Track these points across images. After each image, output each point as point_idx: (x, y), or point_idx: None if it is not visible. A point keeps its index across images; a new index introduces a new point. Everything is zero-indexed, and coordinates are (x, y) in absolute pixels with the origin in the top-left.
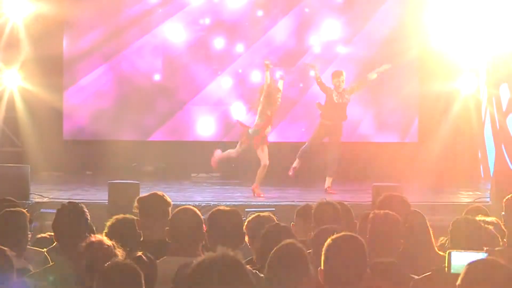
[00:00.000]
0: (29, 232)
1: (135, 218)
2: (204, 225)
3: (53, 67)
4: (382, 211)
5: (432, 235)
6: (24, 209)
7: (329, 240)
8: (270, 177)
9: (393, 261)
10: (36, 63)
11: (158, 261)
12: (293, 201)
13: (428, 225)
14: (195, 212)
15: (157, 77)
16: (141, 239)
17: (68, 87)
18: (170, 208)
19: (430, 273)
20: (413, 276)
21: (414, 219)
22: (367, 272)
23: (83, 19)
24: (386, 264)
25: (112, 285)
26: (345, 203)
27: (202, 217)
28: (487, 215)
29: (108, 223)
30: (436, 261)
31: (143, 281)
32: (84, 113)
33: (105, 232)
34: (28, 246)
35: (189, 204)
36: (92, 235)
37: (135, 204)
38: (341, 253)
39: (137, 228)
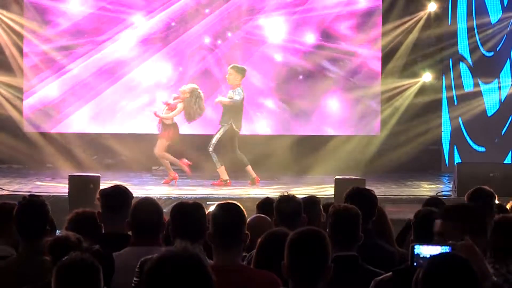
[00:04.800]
0: None
1: (95, 211)
2: (164, 216)
3: (13, 60)
4: (341, 205)
5: (392, 229)
6: None
7: (292, 234)
8: (234, 171)
9: (354, 254)
10: None
11: (120, 251)
12: (256, 195)
13: (389, 219)
14: (154, 202)
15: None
16: (102, 232)
17: (28, 80)
18: (132, 201)
19: (390, 273)
20: (374, 269)
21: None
22: (330, 265)
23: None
24: (347, 257)
25: (69, 280)
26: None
27: (161, 207)
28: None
29: (68, 217)
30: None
31: (101, 276)
32: (44, 105)
33: (65, 227)
34: None
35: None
36: (58, 230)
37: (97, 196)
38: (304, 247)
39: (98, 221)
